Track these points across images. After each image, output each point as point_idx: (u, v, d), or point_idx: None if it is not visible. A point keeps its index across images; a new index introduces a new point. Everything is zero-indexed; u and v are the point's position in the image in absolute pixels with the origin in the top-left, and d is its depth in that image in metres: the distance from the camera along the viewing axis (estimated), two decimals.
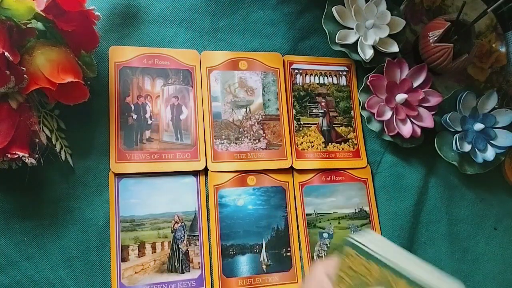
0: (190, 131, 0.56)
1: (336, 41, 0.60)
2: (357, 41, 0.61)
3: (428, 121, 0.61)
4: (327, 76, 0.64)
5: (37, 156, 0.47)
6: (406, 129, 0.60)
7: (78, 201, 0.51)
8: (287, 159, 0.59)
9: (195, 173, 0.55)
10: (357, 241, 0.35)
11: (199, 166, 0.55)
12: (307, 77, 0.63)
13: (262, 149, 0.58)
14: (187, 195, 0.54)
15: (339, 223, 0.59)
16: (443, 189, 0.64)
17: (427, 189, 0.64)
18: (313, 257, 0.57)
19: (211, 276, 0.53)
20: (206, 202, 0.55)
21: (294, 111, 0.61)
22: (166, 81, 0.57)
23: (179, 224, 0.53)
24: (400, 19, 0.63)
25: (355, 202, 0.60)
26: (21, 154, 0.44)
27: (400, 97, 0.60)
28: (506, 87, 0.69)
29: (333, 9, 0.61)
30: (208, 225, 0.54)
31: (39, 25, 0.47)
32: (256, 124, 0.59)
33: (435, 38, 0.60)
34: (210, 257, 0.53)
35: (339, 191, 0.60)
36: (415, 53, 0.66)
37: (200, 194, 0.55)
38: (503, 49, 0.69)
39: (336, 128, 0.63)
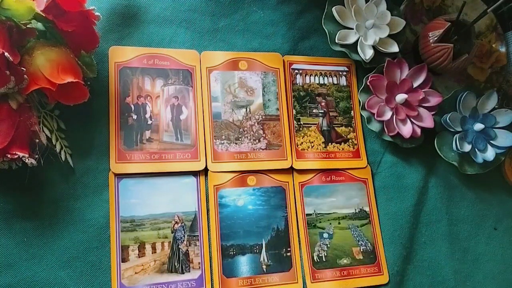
0: (190, 131, 0.56)
1: (336, 41, 0.60)
2: (357, 41, 0.61)
3: (428, 121, 0.61)
4: (327, 76, 0.64)
5: (37, 156, 0.47)
6: (406, 129, 0.60)
7: (78, 201, 0.51)
8: (287, 159, 0.59)
9: (195, 173, 0.55)
10: None
11: (199, 166, 0.55)
12: (307, 77, 0.63)
13: (262, 149, 0.58)
14: (187, 195, 0.54)
15: (339, 223, 0.59)
16: (443, 189, 0.64)
17: (427, 189, 0.64)
18: (313, 257, 0.57)
19: (211, 276, 0.53)
20: (206, 202, 0.55)
21: (294, 111, 0.61)
22: (166, 81, 0.57)
23: (179, 224, 0.53)
24: (400, 19, 0.63)
25: (355, 202, 0.60)
26: (21, 154, 0.44)
27: (400, 97, 0.60)
28: (506, 87, 0.69)
29: (333, 9, 0.61)
30: (208, 225, 0.54)
31: (39, 25, 0.47)
32: (256, 124, 0.59)
33: (435, 38, 0.60)
34: (210, 257, 0.53)
35: (339, 191, 0.60)
36: (415, 53, 0.66)
37: (200, 194, 0.55)
38: (503, 49, 0.69)
39: (336, 128, 0.63)
